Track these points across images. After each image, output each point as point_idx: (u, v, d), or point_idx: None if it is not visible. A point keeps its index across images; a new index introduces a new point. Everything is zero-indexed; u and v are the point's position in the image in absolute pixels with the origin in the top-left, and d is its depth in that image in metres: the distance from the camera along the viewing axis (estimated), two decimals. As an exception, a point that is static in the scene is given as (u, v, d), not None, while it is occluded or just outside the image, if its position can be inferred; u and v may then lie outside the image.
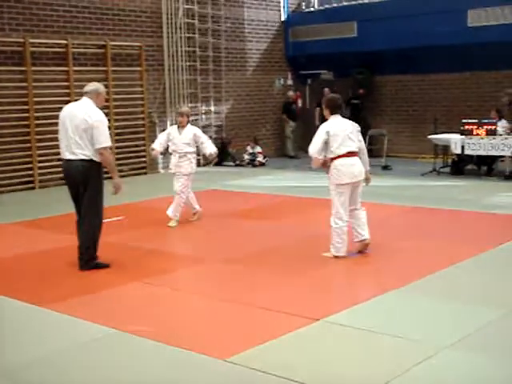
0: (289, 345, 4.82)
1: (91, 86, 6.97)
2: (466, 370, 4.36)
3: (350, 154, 7.07)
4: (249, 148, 16.34)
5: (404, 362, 4.43)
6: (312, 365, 4.47)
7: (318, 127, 7.17)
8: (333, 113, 7.19)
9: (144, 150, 14.34)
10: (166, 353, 4.72)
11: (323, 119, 7.50)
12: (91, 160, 6.75)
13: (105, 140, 6.75)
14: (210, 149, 9.22)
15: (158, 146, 9.29)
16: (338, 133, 7.03)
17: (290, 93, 17.76)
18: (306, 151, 7.29)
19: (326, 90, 16.43)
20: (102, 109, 7.00)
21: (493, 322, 5.16)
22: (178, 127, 9.21)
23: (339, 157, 7.02)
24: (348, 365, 4.47)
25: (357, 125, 7.32)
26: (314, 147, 7.05)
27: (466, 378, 4.24)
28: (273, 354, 4.65)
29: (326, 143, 7.03)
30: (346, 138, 7.07)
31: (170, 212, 9.04)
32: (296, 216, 9.68)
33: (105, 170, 6.90)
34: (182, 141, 9.10)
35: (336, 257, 7.09)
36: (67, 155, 6.83)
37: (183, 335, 5.04)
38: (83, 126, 6.69)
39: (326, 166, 7.15)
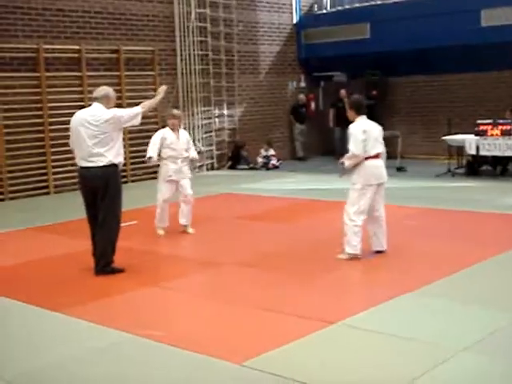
0: (304, 348, 4.80)
1: (101, 92, 6.93)
2: (481, 374, 4.31)
3: (378, 155, 7.12)
4: (262, 151, 16.33)
5: (419, 365, 4.40)
6: (327, 369, 4.44)
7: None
8: (359, 113, 7.15)
9: (158, 155, 14.33)
10: (180, 357, 4.71)
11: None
12: (111, 165, 6.74)
13: (132, 114, 6.92)
14: (195, 154, 9.12)
15: (155, 153, 8.67)
16: (371, 133, 7.06)
17: (301, 96, 17.74)
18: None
19: (343, 91, 16.32)
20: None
21: (509, 326, 5.10)
22: (173, 131, 8.79)
23: (370, 158, 7.03)
24: (364, 368, 4.43)
25: (381, 128, 7.31)
26: (358, 146, 6.96)
27: (483, 381, 4.20)
28: (288, 358, 4.62)
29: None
30: (376, 140, 7.11)
31: (184, 221, 8.90)
32: (309, 218, 9.65)
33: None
34: (181, 146, 8.79)
35: (351, 256, 7.06)
36: (84, 163, 6.80)
37: (198, 339, 5.03)
38: (100, 129, 6.68)
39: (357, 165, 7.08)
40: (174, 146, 8.73)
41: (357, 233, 7.06)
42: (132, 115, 6.94)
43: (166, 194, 8.76)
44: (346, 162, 7.09)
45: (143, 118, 7.05)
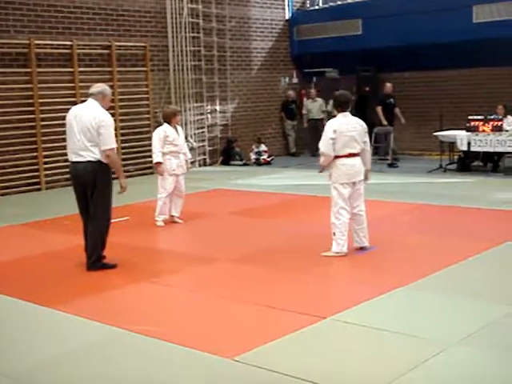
0: (296, 343, 4.82)
1: (97, 88, 6.96)
2: (475, 367, 4.34)
3: (352, 154, 7.08)
4: (254, 147, 16.36)
5: (412, 358, 4.42)
6: (320, 363, 4.46)
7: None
8: (342, 110, 7.15)
9: (150, 150, 14.30)
10: (174, 352, 4.72)
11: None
12: (99, 161, 6.76)
13: (111, 142, 6.75)
14: (189, 155, 9.62)
15: (161, 158, 8.92)
16: (345, 133, 7.00)
17: (290, 92, 17.76)
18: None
19: (389, 85, 15.52)
20: (107, 109, 7.02)
21: (501, 319, 5.14)
22: (173, 127, 9.01)
23: (340, 157, 7.03)
24: (357, 362, 4.46)
25: (365, 125, 7.31)
26: (326, 146, 7.00)
27: (475, 375, 4.23)
28: (281, 353, 4.64)
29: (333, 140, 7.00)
30: (351, 139, 7.04)
31: (176, 213, 9.16)
32: (301, 214, 9.67)
33: (112, 170, 6.93)
34: (181, 141, 9.13)
35: (338, 254, 7.08)
36: (74, 157, 6.83)
37: (191, 334, 5.05)
38: (90, 127, 6.69)
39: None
40: (176, 142, 9.00)
41: (342, 231, 7.08)
42: (109, 140, 6.69)
43: (171, 187, 8.98)
44: (321, 158, 7.15)
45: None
